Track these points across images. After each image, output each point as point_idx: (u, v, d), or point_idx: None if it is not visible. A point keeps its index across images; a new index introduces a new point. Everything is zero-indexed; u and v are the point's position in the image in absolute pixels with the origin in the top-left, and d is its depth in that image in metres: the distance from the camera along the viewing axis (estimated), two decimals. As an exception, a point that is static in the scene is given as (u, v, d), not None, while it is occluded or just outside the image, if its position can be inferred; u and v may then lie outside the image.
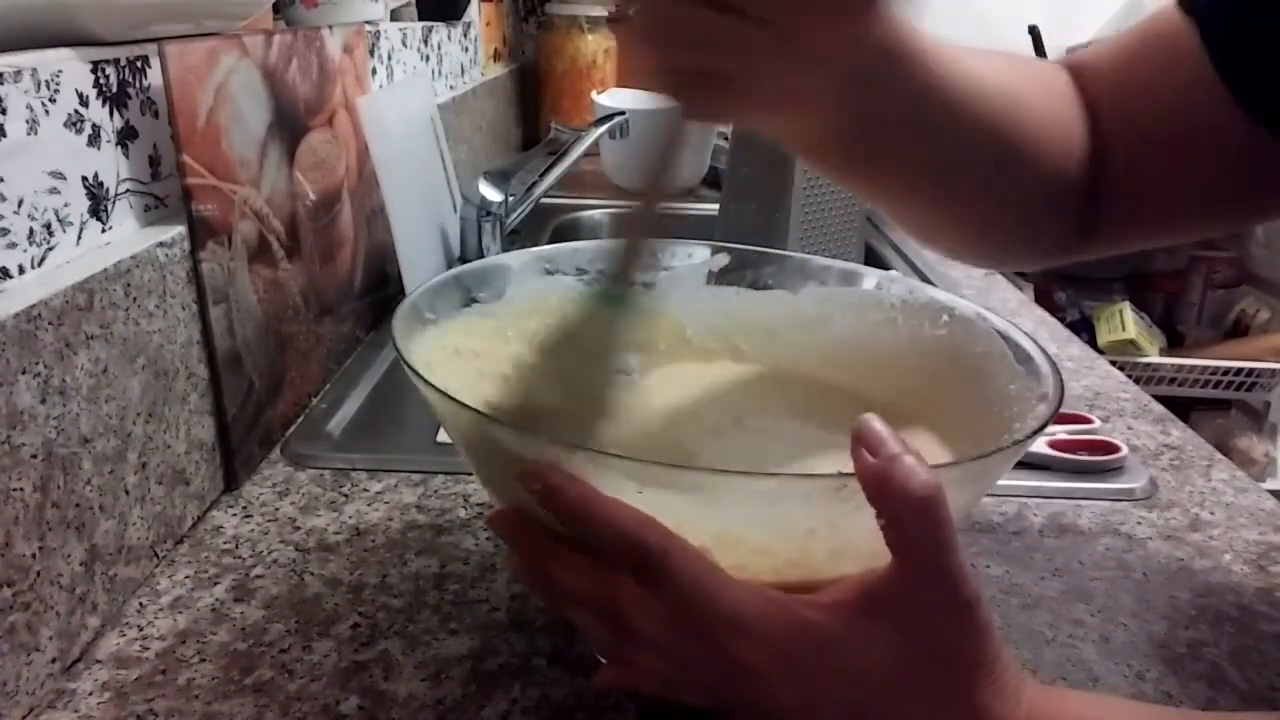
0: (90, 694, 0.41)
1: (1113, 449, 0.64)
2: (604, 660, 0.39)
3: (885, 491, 0.30)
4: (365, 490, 0.58)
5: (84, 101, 0.45)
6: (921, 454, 0.31)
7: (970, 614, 0.31)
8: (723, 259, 0.57)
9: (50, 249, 0.43)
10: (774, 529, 0.35)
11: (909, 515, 0.30)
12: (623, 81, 1.74)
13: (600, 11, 1.75)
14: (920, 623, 0.31)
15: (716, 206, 0.96)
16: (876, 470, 0.30)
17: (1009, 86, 0.46)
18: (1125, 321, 1.82)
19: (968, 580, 0.31)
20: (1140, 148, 0.47)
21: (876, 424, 0.31)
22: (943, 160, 0.45)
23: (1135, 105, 0.48)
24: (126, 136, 0.49)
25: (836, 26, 0.37)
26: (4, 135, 0.39)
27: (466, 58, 1.34)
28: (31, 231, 0.42)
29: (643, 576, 0.32)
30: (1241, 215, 0.58)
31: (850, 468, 0.31)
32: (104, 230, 0.47)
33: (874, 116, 0.42)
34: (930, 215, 0.51)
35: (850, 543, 0.33)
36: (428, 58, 1.11)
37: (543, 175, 0.99)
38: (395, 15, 1.05)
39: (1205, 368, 1.79)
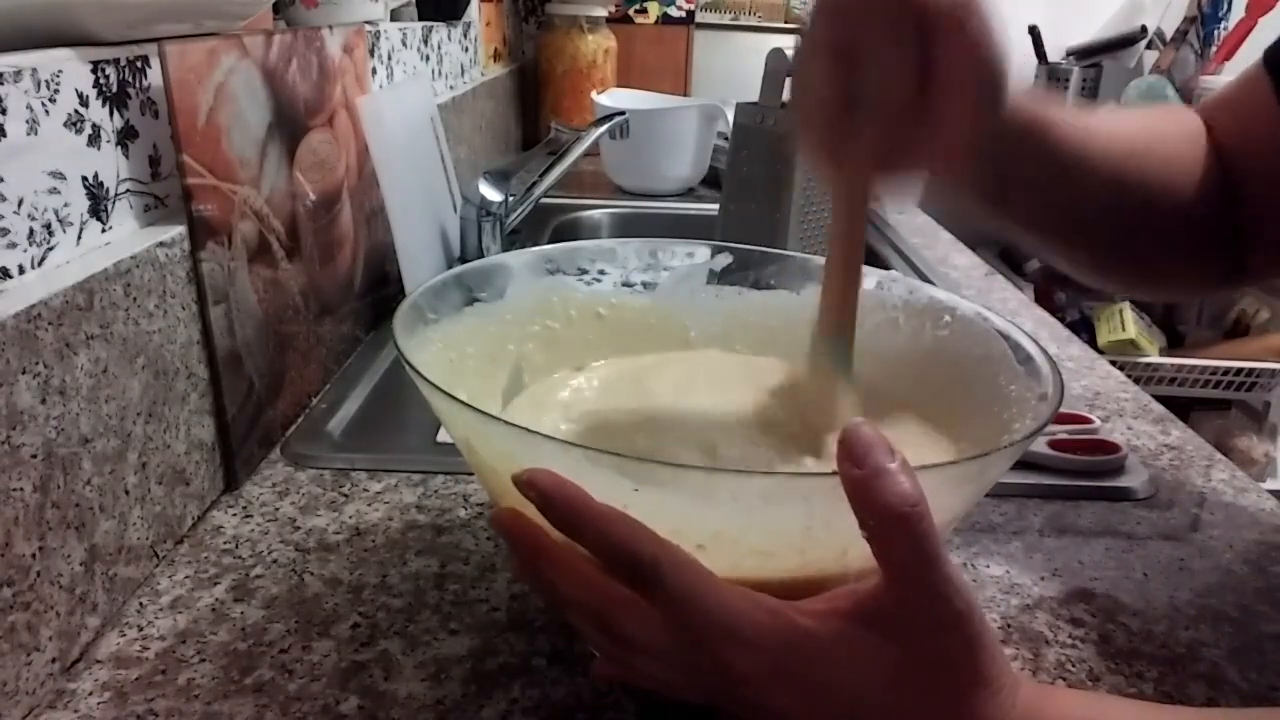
0: (90, 694, 0.41)
1: (1113, 449, 0.64)
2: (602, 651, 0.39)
3: (867, 505, 0.30)
4: (365, 490, 0.58)
5: (84, 101, 0.45)
6: (908, 461, 0.30)
7: (960, 626, 0.31)
8: (725, 259, 0.58)
9: (50, 249, 0.43)
10: (771, 527, 0.35)
11: (891, 529, 0.30)
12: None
13: (600, 11, 1.76)
14: (910, 635, 0.31)
15: (716, 206, 0.96)
16: (858, 482, 0.30)
17: (1142, 132, 0.54)
18: (1125, 321, 1.82)
19: (957, 593, 0.30)
20: (1255, 183, 0.54)
21: (863, 431, 0.30)
22: (1078, 208, 0.52)
23: (1241, 146, 0.55)
24: (126, 136, 0.49)
25: (975, 124, 0.41)
26: (4, 135, 0.39)
27: (466, 58, 1.35)
28: (31, 231, 0.42)
29: (635, 585, 0.32)
30: None
31: None
32: (104, 230, 0.47)
33: (1010, 179, 0.49)
34: (1080, 254, 0.58)
35: (848, 540, 0.33)
36: (428, 58, 1.11)
37: (543, 175, 0.99)
38: (395, 15, 1.05)
39: (1205, 368, 1.79)
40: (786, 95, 0.87)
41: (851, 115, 0.40)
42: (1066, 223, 0.54)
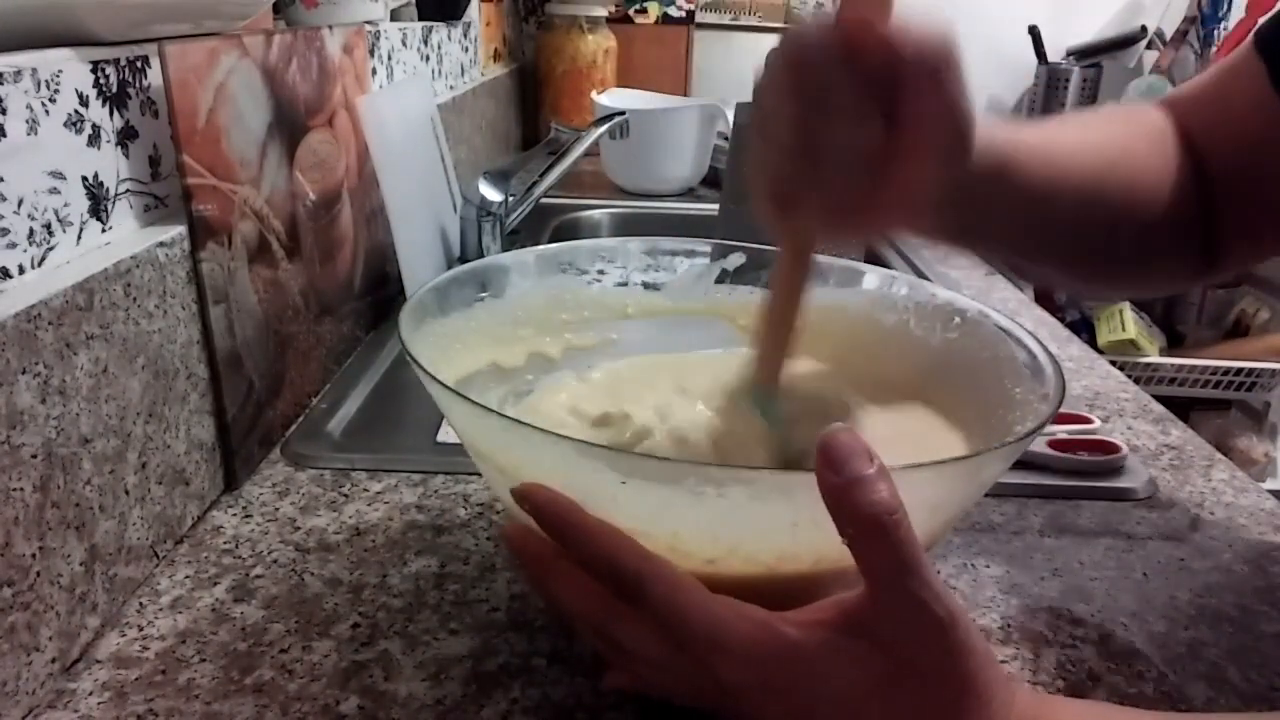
0: (90, 694, 0.41)
1: (1113, 449, 0.64)
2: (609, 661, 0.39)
3: (845, 512, 0.30)
4: (365, 490, 0.58)
5: (84, 101, 0.45)
6: (886, 468, 0.30)
7: (943, 633, 0.30)
8: (739, 258, 0.58)
9: (50, 249, 0.43)
10: (757, 522, 0.35)
11: (869, 537, 0.30)
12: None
13: (600, 11, 1.76)
14: (893, 643, 0.31)
15: (716, 206, 0.96)
16: (836, 489, 0.30)
17: (1107, 146, 0.52)
18: (1125, 321, 1.82)
19: (938, 600, 0.30)
20: (1233, 173, 0.53)
21: (842, 438, 0.30)
22: (1045, 234, 0.51)
23: (1220, 136, 0.53)
24: (126, 136, 0.49)
25: (939, 180, 0.39)
26: (4, 135, 0.39)
27: (466, 58, 1.34)
28: (31, 231, 0.42)
29: (623, 598, 0.33)
30: None
31: None
32: (104, 230, 0.47)
33: (974, 219, 0.47)
34: (1052, 270, 0.57)
35: (835, 536, 0.33)
36: (428, 58, 1.11)
37: (543, 175, 0.99)
38: (395, 15, 1.05)
39: (1205, 368, 1.79)
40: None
41: (810, 165, 0.38)
42: (1034, 247, 0.52)
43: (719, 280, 0.58)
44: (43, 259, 0.42)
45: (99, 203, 0.47)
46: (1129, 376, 0.83)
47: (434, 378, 0.37)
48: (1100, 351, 1.49)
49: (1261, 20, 0.53)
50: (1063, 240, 0.52)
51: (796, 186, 0.39)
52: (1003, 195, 0.46)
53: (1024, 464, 0.61)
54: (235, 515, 0.55)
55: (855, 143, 0.37)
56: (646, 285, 0.58)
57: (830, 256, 0.56)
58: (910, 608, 0.30)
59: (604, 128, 1.05)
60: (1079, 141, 0.51)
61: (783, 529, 0.34)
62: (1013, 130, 0.47)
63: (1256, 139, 0.51)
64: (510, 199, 0.96)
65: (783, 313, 0.43)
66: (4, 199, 0.40)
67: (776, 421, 0.44)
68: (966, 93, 0.37)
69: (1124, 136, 0.54)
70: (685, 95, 1.88)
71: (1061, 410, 0.39)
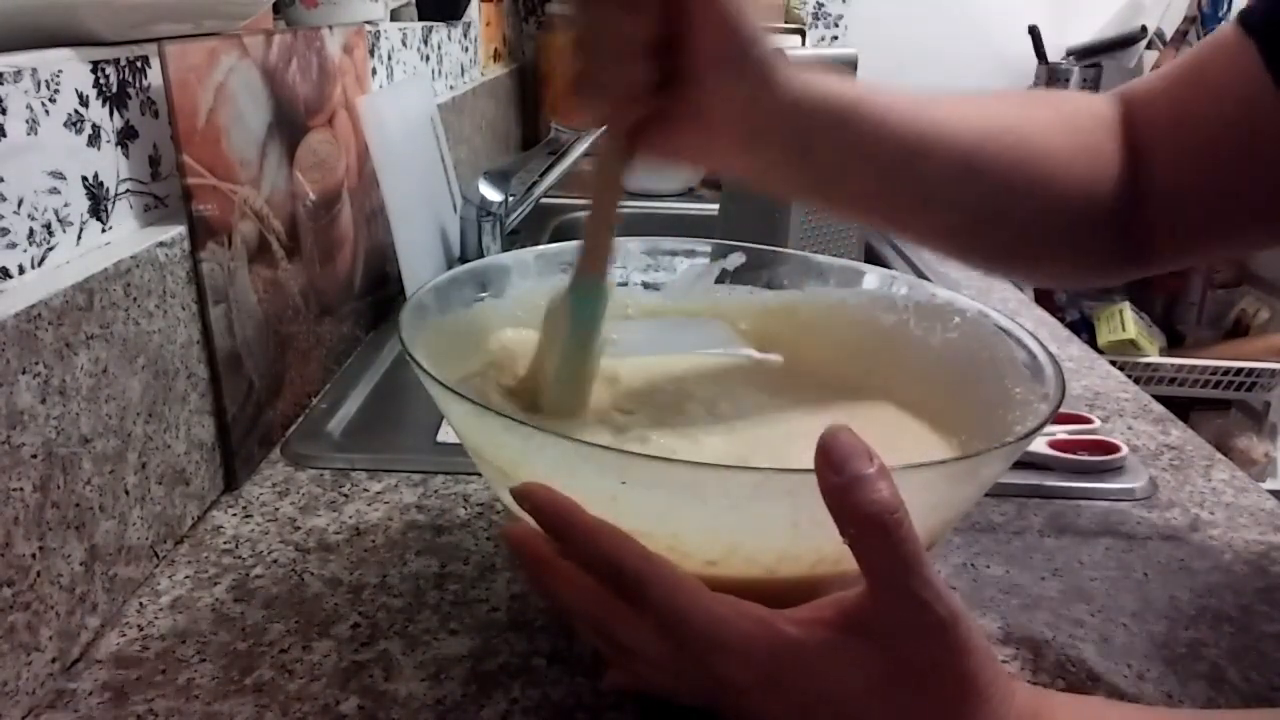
0: (90, 694, 0.41)
1: (1113, 449, 0.64)
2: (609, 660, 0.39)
3: (846, 512, 0.30)
4: (365, 490, 0.58)
5: (84, 101, 0.45)
6: (887, 467, 0.30)
7: (944, 632, 0.30)
8: (739, 258, 0.58)
9: (50, 249, 0.43)
10: (758, 523, 0.35)
11: (870, 537, 0.30)
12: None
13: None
14: (893, 642, 0.31)
15: (716, 206, 0.96)
16: (837, 489, 0.30)
17: (993, 119, 0.49)
18: (1125, 321, 1.82)
19: (939, 599, 0.30)
20: (1195, 165, 0.49)
21: (842, 437, 0.30)
22: (933, 201, 0.48)
23: (1191, 122, 0.49)
24: (126, 136, 0.49)
25: (724, 84, 0.40)
26: (4, 135, 0.39)
27: (466, 58, 1.34)
28: (31, 231, 0.42)
29: (623, 597, 0.33)
30: None
31: None
32: (104, 230, 0.47)
33: (826, 170, 0.45)
34: (948, 246, 0.53)
35: (836, 536, 0.34)
36: (428, 58, 1.11)
37: (543, 175, 0.99)
38: (395, 15, 1.05)
39: (1205, 368, 1.79)
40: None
41: (589, 55, 0.41)
42: (904, 215, 0.50)
43: (719, 280, 0.58)
44: (43, 259, 0.42)
45: (99, 203, 0.47)
46: (1129, 376, 0.83)
47: (434, 378, 0.37)
48: (1100, 351, 1.49)
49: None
50: (937, 210, 0.49)
51: (585, 79, 0.41)
52: (853, 150, 0.44)
53: (1024, 464, 0.61)
54: (235, 515, 0.55)
55: (629, 30, 0.39)
56: (646, 285, 0.58)
57: (830, 257, 0.56)
58: (911, 607, 0.30)
59: (604, 127, 1.04)
60: (955, 110, 0.48)
61: (784, 529, 0.34)
62: (869, 88, 0.45)
63: (1233, 124, 0.48)
64: (510, 199, 0.96)
65: (601, 204, 0.45)
66: (4, 199, 0.40)
67: (588, 319, 0.46)
68: (744, 8, 0.39)
69: (1021, 113, 0.50)
70: (685, 95, 1.87)
71: (1061, 410, 0.39)
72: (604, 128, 0.44)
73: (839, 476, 0.30)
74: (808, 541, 0.34)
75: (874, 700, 0.31)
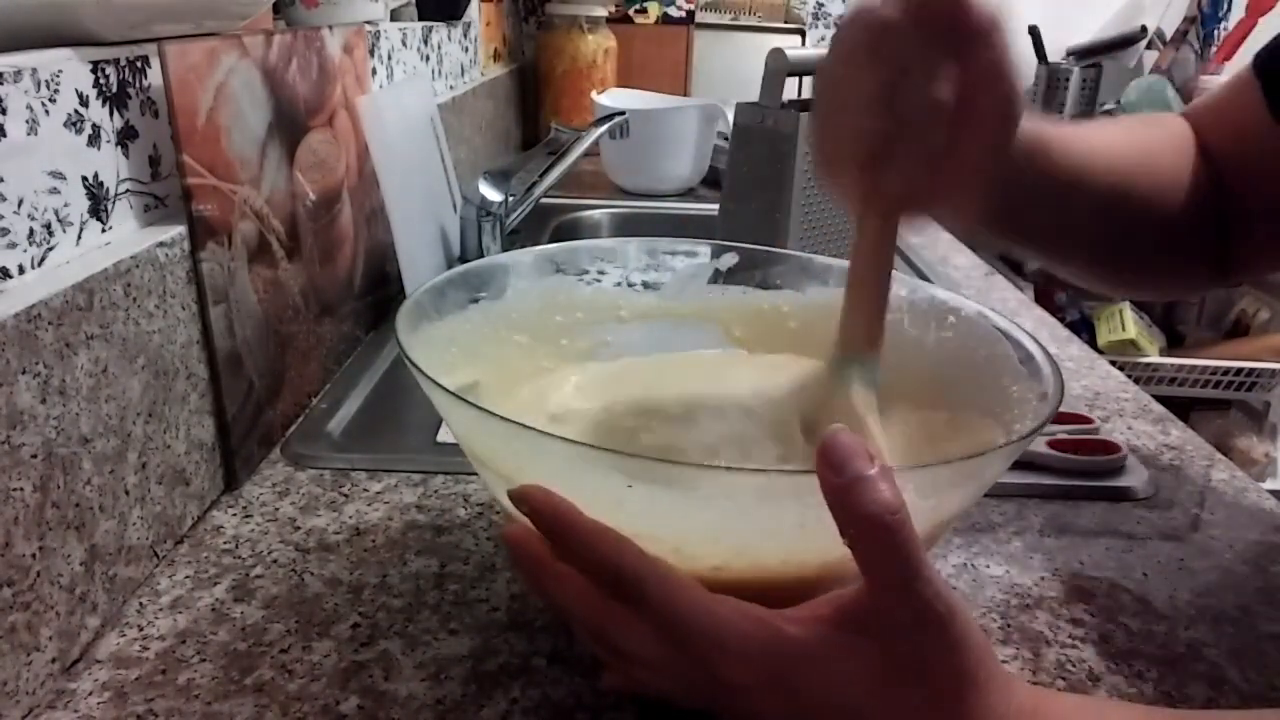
0: (90, 694, 0.41)
1: (1113, 449, 0.64)
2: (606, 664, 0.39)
3: (847, 513, 0.30)
4: (365, 490, 0.58)
5: (84, 101, 0.45)
6: (889, 467, 0.30)
7: (942, 629, 0.30)
8: (731, 258, 0.58)
9: (50, 249, 0.43)
10: (765, 524, 0.35)
11: (871, 537, 0.30)
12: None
13: (600, 11, 1.76)
14: (892, 639, 0.31)
15: (716, 206, 0.96)
16: (838, 489, 0.30)
17: (1134, 145, 0.55)
18: (1125, 321, 1.82)
19: (938, 596, 0.30)
20: (1242, 186, 0.55)
21: (842, 438, 0.30)
22: (1075, 223, 0.53)
23: (1232, 149, 0.56)
24: (126, 136, 0.49)
25: (991, 149, 0.40)
26: (4, 135, 0.39)
27: (466, 58, 1.35)
28: (31, 231, 0.42)
29: (621, 599, 0.33)
30: None
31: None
32: (104, 230, 0.47)
33: (1014, 200, 0.49)
34: (1077, 268, 0.60)
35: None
36: (428, 58, 1.11)
37: (543, 175, 0.99)
38: (395, 15, 1.05)
39: (1205, 368, 1.79)
40: (787, 95, 0.87)
41: (896, 121, 0.39)
42: (1064, 237, 0.56)
43: (711, 280, 0.58)
44: (43, 259, 0.42)
45: (99, 203, 0.47)
46: (1129, 376, 0.83)
47: (432, 380, 0.37)
48: (1100, 351, 1.49)
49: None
50: (1087, 236, 0.54)
51: (884, 143, 0.39)
52: (1034, 181, 0.49)
53: (1024, 464, 0.61)
54: (235, 515, 0.55)
55: (936, 96, 0.38)
56: (646, 285, 0.58)
57: (830, 257, 0.56)
58: (911, 605, 0.30)
59: (604, 128, 1.05)
60: (1107, 138, 0.54)
61: (790, 531, 0.34)
62: (1040, 119, 0.49)
63: (1256, 157, 0.54)
64: (510, 199, 0.96)
65: (875, 278, 0.43)
66: (4, 199, 0.40)
67: (870, 384, 0.44)
68: (1014, 57, 0.39)
69: (1148, 139, 0.57)
70: (685, 95, 1.88)
71: (1061, 410, 0.39)
72: (874, 199, 0.42)
73: (840, 477, 0.30)
74: (815, 543, 0.34)
75: (874, 698, 0.31)
